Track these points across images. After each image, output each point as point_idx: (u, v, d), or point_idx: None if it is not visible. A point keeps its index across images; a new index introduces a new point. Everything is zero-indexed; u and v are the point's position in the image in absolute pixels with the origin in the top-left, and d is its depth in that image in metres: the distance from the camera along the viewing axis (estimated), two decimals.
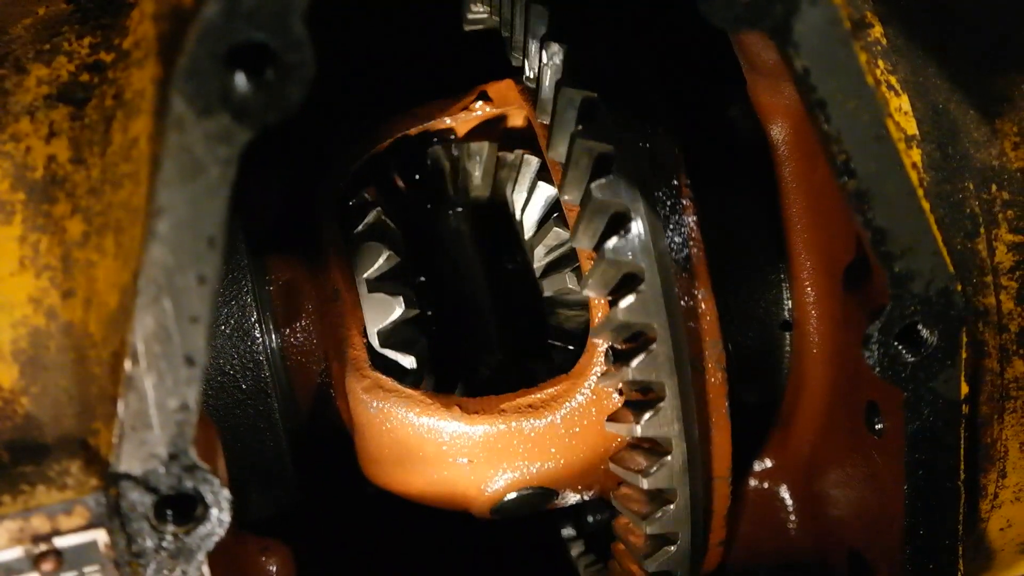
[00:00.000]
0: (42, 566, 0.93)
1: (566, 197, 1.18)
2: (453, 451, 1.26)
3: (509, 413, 1.26)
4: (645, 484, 1.18)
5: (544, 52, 1.18)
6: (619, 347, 1.21)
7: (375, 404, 1.27)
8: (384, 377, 1.28)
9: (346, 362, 1.31)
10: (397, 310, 1.32)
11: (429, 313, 1.40)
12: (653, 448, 1.20)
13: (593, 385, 1.25)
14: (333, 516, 1.70)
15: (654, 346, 1.13)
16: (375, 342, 1.32)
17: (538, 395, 1.27)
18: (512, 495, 1.28)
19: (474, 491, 1.28)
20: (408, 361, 1.33)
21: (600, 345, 1.25)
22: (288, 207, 1.47)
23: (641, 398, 1.20)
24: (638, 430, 1.16)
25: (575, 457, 1.27)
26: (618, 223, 1.12)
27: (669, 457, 1.16)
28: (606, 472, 1.28)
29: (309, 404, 1.39)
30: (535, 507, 1.32)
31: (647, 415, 1.15)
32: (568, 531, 1.61)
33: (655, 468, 1.17)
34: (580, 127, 1.14)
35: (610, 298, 1.17)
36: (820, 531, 1.35)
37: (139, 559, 0.92)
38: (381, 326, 1.33)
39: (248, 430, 1.32)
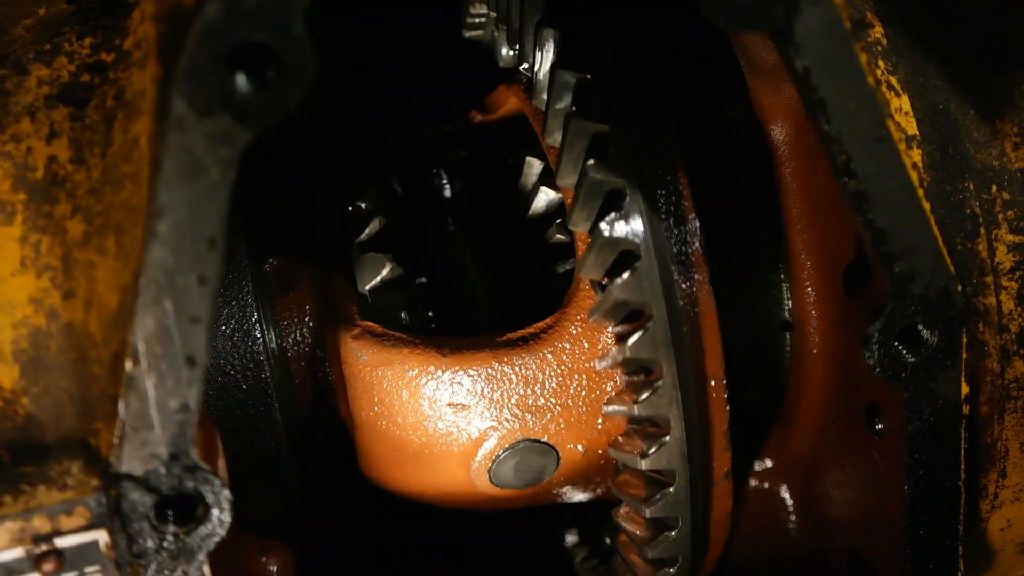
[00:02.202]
0: (43, 566, 0.93)
1: (563, 181, 1.18)
2: (445, 394, 1.24)
3: (500, 349, 1.24)
4: (644, 465, 1.17)
5: (554, 79, 1.18)
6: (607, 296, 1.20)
7: (366, 353, 1.25)
8: (374, 324, 1.27)
9: (338, 321, 1.29)
10: (387, 267, 1.31)
11: (429, 313, 1.40)
12: (652, 433, 1.19)
13: (583, 316, 1.23)
14: (333, 516, 1.70)
15: (651, 324, 1.13)
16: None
17: (529, 330, 1.25)
18: (508, 449, 1.25)
19: (470, 445, 1.25)
20: (401, 316, 1.32)
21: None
22: (289, 207, 1.47)
23: (641, 379, 1.20)
24: (636, 410, 1.16)
25: (570, 402, 1.24)
26: (614, 202, 1.12)
27: (668, 437, 1.16)
28: (606, 457, 1.27)
29: (309, 405, 1.39)
30: (536, 472, 1.27)
31: (645, 393, 1.15)
32: (571, 538, 1.61)
33: (654, 448, 1.16)
34: (575, 108, 1.14)
35: (605, 280, 1.18)
36: (820, 531, 1.35)
37: (140, 559, 0.92)
38: (371, 284, 1.31)
39: (249, 430, 1.31)
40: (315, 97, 0.82)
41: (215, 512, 0.92)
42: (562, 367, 1.24)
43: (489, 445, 1.25)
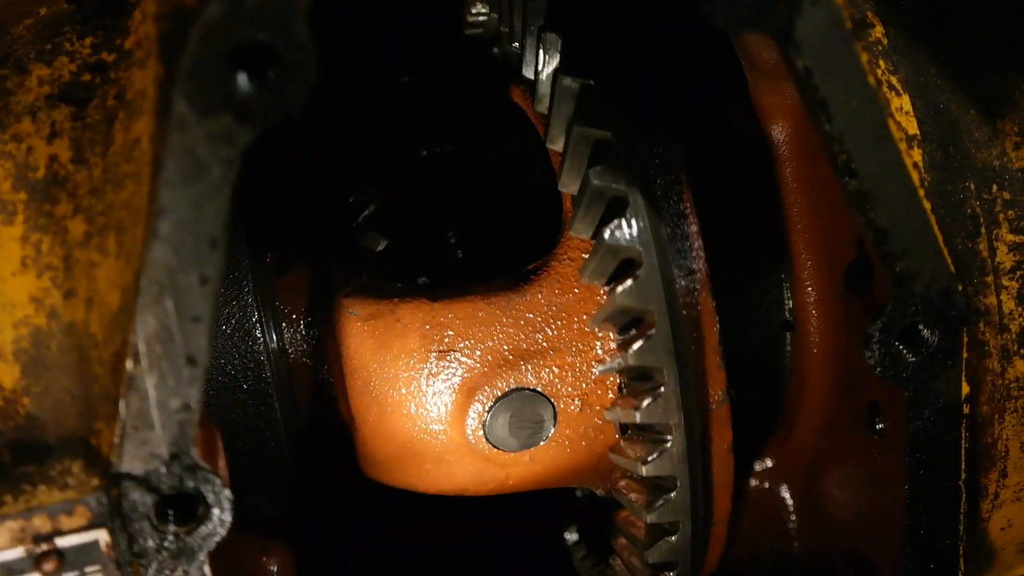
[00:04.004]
0: (43, 566, 0.93)
1: (565, 187, 1.17)
2: (435, 341, 1.22)
3: (490, 292, 1.22)
4: (644, 471, 1.15)
5: (556, 84, 1.18)
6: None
7: (357, 307, 1.23)
8: (364, 282, 1.26)
9: (332, 291, 1.28)
10: (370, 209, 1.31)
11: None
12: (652, 439, 1.18)
13: (572, 256, 1.21)
14: (333, 516, 1.70)
15: (653, 331, 1.12)
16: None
17: (519, 272, 1.23)
18: (501, 399, 1.21)
19: (462, 397, 1.22)
20: (380, 244, 1.32)
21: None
22: (291, 208, 1.48)
23: (642, 386, 1.19)
24: (638, 417, 1.15)
25: (562, 346, 1.22)
26: (616, 209, 1.12)
27: (669, 444, 1.15)
28: (605, 438, 1.25)
29: (310, 404, 1.39)
30: (533, 427, 1.23)
31: (647, 400, 1.14)
32: (571, 536, 1.60)
33: (655, 455, 1.15)
34: (578, 115, 1.13)
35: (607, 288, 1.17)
36: (821, 531, 1.35)
37: (140, 559, 0.92)
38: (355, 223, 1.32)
39: (249, 430, 1.31)
40: (317, 97, 0.82)
41: (216, 512, 0.92)
42: (552, 308, 1.22)
43: (481, 395, 1.22)
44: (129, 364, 0.87)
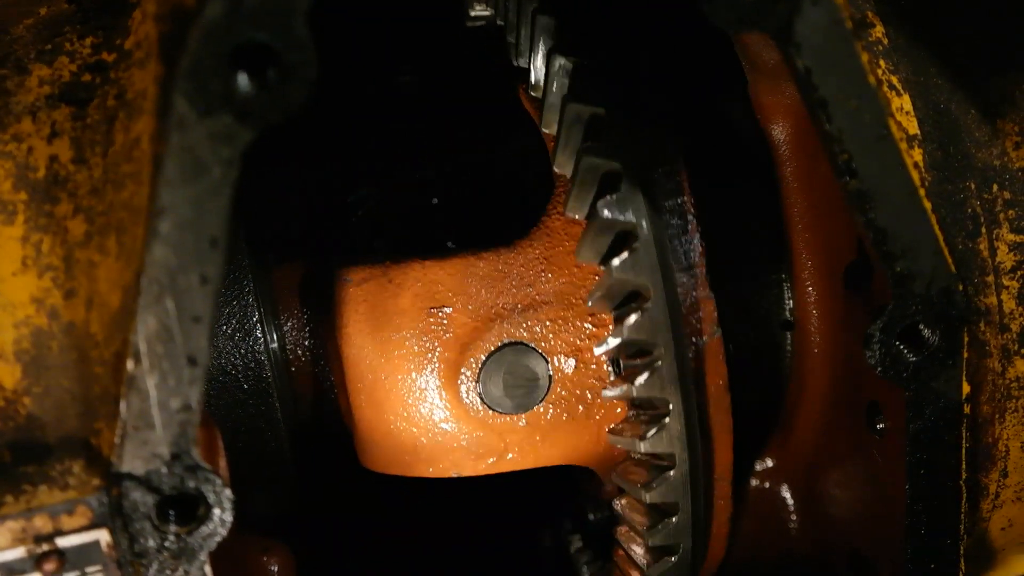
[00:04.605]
0: (44, 566, 0.93)
1: (560, 167, 1.16)
2: (426, 298, 1.21)
3: (482, 250, 1.23)
4: (642, 447, 1.15)
5: (550, 65, 1.17)
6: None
7: (351, 275, 1.23)
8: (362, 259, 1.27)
9: (328, 270, 1.28)
10: (361, 194, 1.32)
11: None
12: (650, 416, 1.17)
13: (563, 209, 1.19)
14: (333, 515, 1.70)
15: (649, 304, 1.11)
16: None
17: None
18: (493, 354, 1.20)
19: (454, 354, 1.21)
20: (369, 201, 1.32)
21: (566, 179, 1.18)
22: (289, 207, 1.48)
23: (639, 362, 1.18)
24: (634, 391, 1.14)
25: (553, 299, 1.21)
26: (611, 184, 1.11)
27: (667, 419, 1.14)
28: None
29: (310, 404, 1.39)
30: (527, 386, 1.22)
31: (644, 375, 1.13)
32: (577, 543, 1.60)
33: (653, 431, 1.14)
34: (571, 92, 1.13)
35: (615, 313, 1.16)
36: (821, 530, 1.35)
37: (141, 559, 0.92)
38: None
39: (249, 430, 1.32)
40: (316, 96, 0.83)
41: (217, 512, 0.92)
42: (543, 260, 1.22)
43: (474, 351, 1.21)
44: (130, 364, 0.87)
